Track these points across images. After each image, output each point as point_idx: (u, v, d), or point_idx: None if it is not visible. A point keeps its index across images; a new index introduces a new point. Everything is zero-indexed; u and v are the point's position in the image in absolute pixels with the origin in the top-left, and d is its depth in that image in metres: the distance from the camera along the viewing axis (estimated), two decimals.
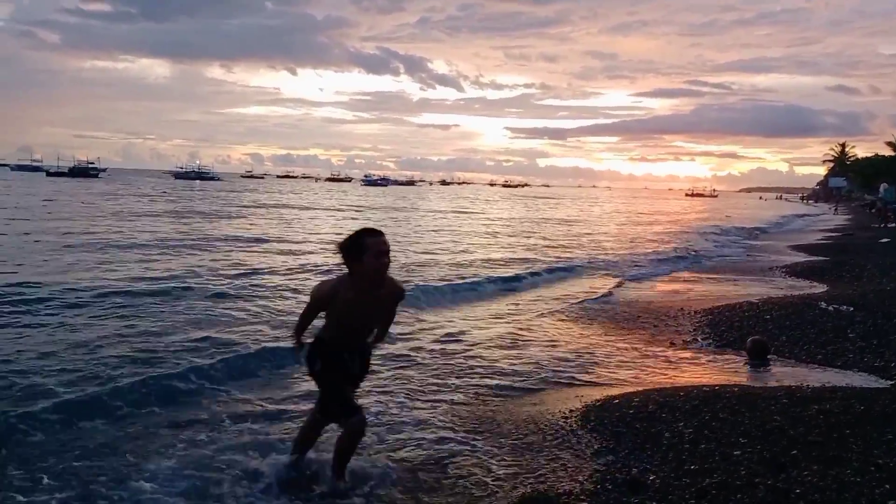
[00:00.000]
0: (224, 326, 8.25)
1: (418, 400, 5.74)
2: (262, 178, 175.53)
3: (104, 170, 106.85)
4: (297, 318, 4.20)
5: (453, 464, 4.38)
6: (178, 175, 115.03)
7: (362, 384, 4.43)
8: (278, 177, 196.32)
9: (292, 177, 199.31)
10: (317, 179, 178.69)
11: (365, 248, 3.75)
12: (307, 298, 4.11)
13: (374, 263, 3.77)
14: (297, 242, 20.08)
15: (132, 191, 55.84)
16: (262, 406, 5.57)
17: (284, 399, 5.75)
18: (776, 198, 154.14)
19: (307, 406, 4.95)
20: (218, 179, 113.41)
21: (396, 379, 6.34)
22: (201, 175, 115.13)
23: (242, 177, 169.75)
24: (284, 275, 13.06)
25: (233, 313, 9.06)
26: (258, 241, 19.70)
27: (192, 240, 18.99)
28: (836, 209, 64.99)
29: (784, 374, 6.61)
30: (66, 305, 8.97)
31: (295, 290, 11.04)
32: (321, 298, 3.94)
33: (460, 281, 13.03)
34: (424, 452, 4.57)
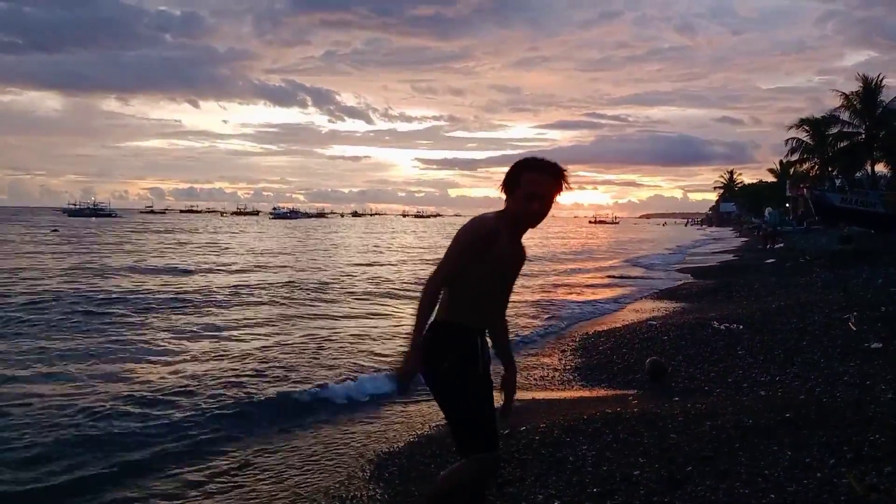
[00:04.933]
0: None
1: None
2: (164, 212, 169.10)
3: None
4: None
5: None
6: (72, 212, 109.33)
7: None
8: (181, 211, 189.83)
9: (196, 211, 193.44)
10: (222, 214, 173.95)
11: (518, 184, 2.80)
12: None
13: (520, 205, 2.79)
14: None
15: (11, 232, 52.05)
16: None
17: None
18: (685, 224, 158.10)
19: None
20: (115, 216, 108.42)
21: None
22: (97, 211, 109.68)
23: (142, 212, 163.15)
24: None
25: None
26: None
27: None
28: (739, 233, 69.23)
29: (681, 392, 6.90)
30: None
31: None
32: (481, 237, 2.78)
33: None
34: None
